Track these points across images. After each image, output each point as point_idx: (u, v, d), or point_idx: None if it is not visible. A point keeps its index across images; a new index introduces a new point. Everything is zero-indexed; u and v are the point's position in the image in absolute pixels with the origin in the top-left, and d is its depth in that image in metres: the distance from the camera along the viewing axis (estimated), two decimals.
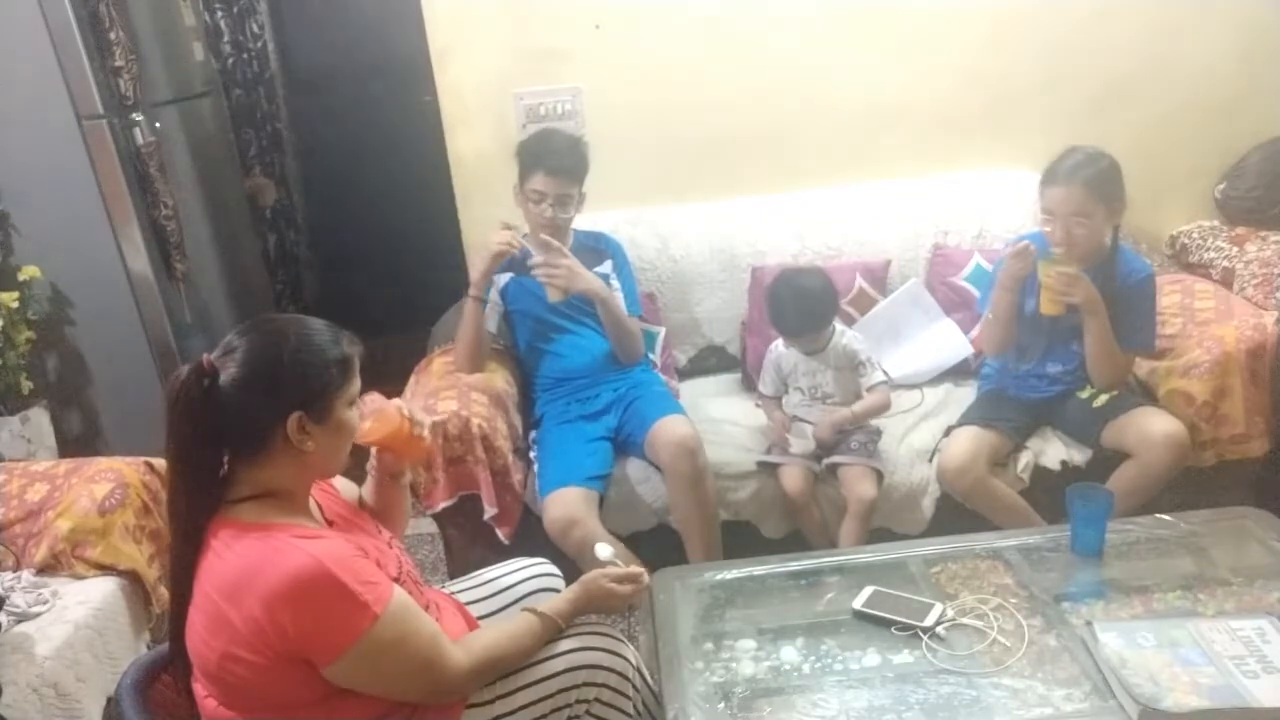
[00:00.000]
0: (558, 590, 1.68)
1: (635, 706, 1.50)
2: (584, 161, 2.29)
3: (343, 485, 1.50)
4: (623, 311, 2.34)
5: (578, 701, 1.43)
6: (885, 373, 2.32)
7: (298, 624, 1.14)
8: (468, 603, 1.64)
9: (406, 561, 1.43)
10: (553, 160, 2.23)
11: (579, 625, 1.52)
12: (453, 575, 2.17)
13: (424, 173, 3.27)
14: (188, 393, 1.19)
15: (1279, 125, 2.74)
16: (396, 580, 1.32)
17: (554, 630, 1.43)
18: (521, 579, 1.67)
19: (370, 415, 1.43)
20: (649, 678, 1.57)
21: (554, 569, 1.73)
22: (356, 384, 1.31)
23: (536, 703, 1.41)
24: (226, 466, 1.25)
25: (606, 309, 2.29)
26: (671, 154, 2.77)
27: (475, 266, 2.26)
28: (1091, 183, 2.05)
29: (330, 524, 1.37)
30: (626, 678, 1.47)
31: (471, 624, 1.56)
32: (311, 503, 1.37)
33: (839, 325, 2.28)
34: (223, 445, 1.23)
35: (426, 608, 1.46)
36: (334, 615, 1.16)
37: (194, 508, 1.23)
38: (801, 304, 2.20)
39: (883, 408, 2.25)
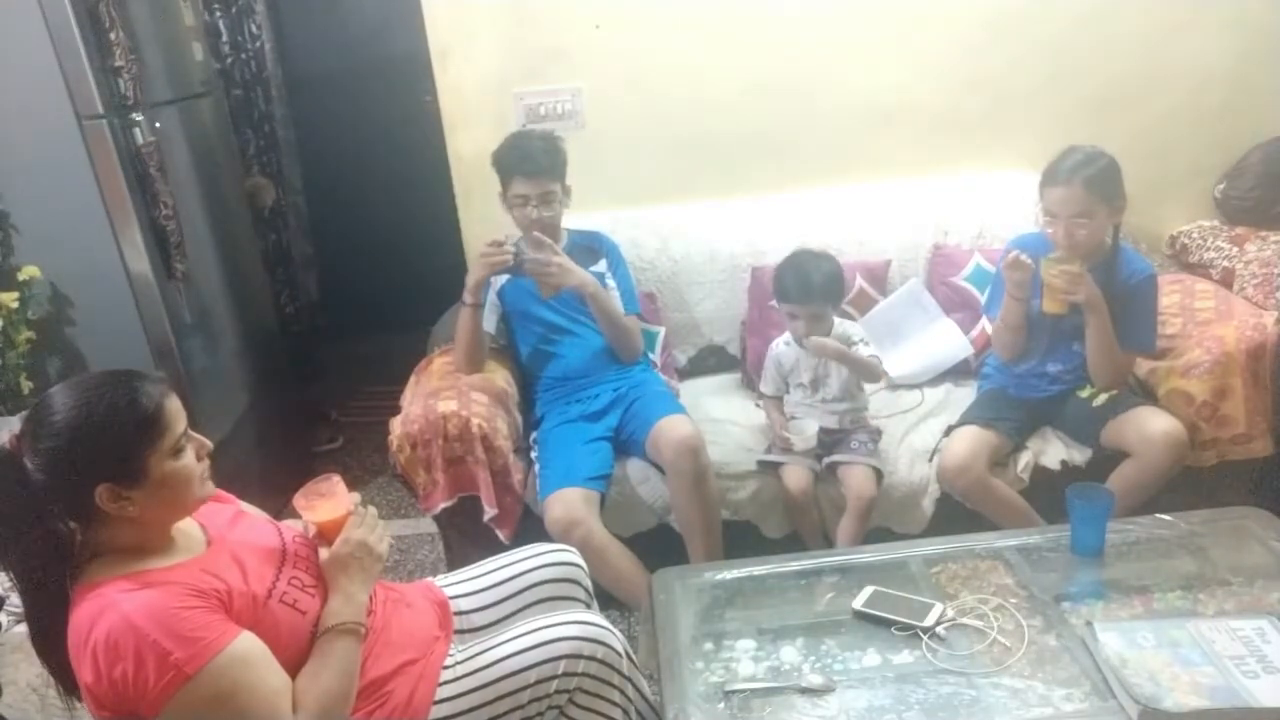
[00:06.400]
0: (578, 581, 1.67)
1: (625, 694, 1.49)
2: (560, 158, 2.29)
3: None
4: (615, 308, 2.34)
5: (558, 691, 1.42)
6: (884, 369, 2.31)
7: (112, 683, 1.13)
8: (474, 592, 1.63)
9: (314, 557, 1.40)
10: (528, 164, 2.25)
11: (556, 613, 1.51)
12: None
13: (424, 173, 3.27)
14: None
15: (1279, 125, 2.75)
16: (271, 593, 1.29)
17: (360, 632, 1.34)
18: (537, 565, 1.65)
19: (326, 496, 1.40)
20: (637, 662, 1.56)
21: (575, 556, 1.70)
22: (174, 431, 1.23)
23: (512, 694, 1.40)
24: (67, 533, 1.21)
25: (597, 304, 2.29)
26: (671, 154, 2.77)
27: (470, 275, 2.27)
28: (1091, 183, 2.05)
29: (211, 543, 1.33)
30: (610, 665, 1.46)
31: (447, 625, 1.56)
32: (193, 525, 1.34)
33: (837, 318, 2.28)
34: (51, 518, 1.20)
35: (384, 603, 1.46)
36: (143, 674, 1.12)
37: (47, 581, 1.21)
38: (808, 269, 2.17)
39: (875, 368, 2.22)
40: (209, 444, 1.32)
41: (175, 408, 1.25)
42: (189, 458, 1.26)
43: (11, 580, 1.23)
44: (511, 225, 2.35)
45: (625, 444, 2.29)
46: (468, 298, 2.26)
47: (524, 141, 2.31)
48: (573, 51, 2.68)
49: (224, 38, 3.25)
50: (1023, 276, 2.12)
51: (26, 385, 2.30)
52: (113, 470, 1.19)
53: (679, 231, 2.73)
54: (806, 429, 2.20)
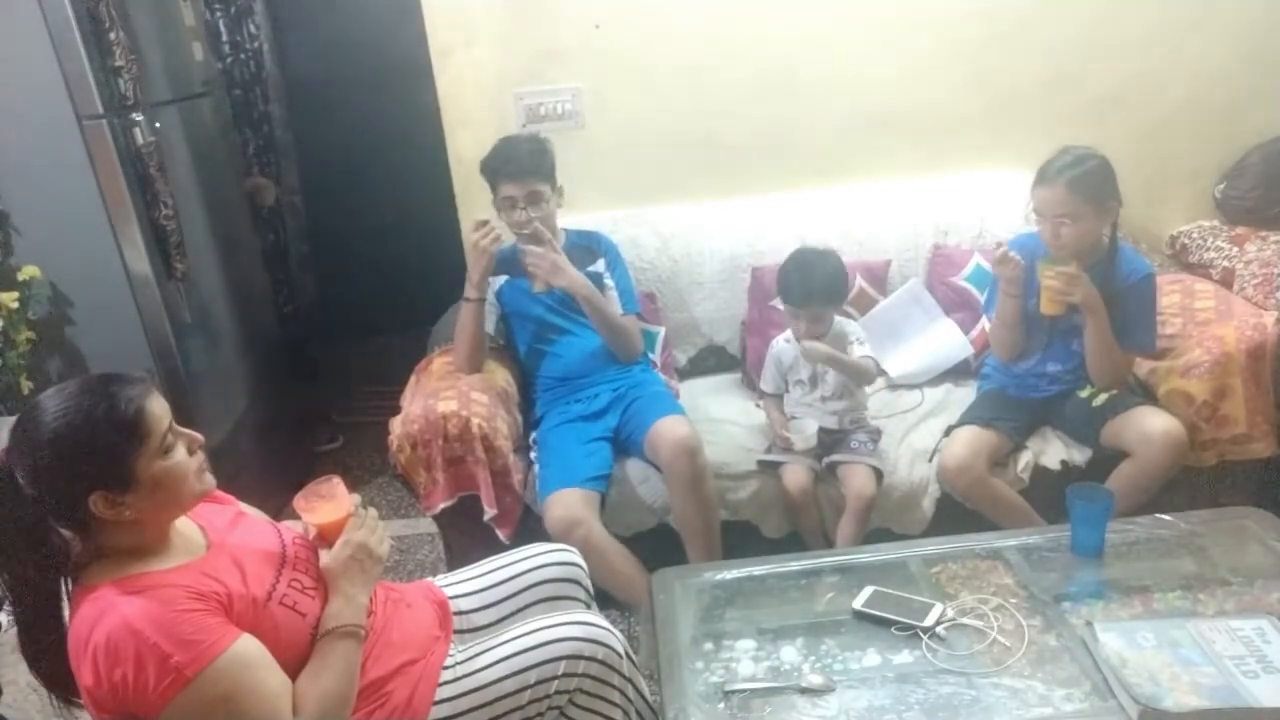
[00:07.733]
0: (578, 581, 1.67)
1: (625, 694, 1.49)
2: (547, 158, 2.30)
3: None
4: (609, 309, 2.34)
5: (558, 692, 1.42)
6: (883, 369, 2.30)
7: (113, 686, 1.13)
8: (474, 592, 1.63)
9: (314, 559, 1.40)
10: (512, 166, 2.27)
11: (556, 613, 1.51)
12: None
13: (424, 173, 3.27)
14: None
15: (1279, 125, 2.75)
16: (270, 596, 1.29)
17: (360, 634, 1.34)
18: (537, 565, 1.65)
19: (326, 498, 1.41)
20: (637, 662, 1.56)
21: (575, 556, 1.70)
22: (158, 431, 1.21)
23: (512, 695, 1.40)
24: (63, 544, 1.21)
25: (590, 306, 2.29)
26: (671, 154, 2.77)
27: (472, 268, 2.27)
28: (1075, 183, 2.05)
29: (210, 546, 1.32)
30: (610, 666, 1.46)
31: (447, 625, 1.56)
32: (192, 527, 1.34)
33: (837, 316, 2.28)
34: (48, 524, 1.20)
35: (385, 603, 1.46)
36: (143, 677, 1.12)
37: (43, 591, 1.21)
38: (811, 270, 2.17)
39: (866, 371, 2.22)
40: (199, 437, 1.30)
41: (157, 408, 1.23)
42: (180, 454, 1.25)
43: (5, 590, 1.22)
44: (507, 228, 2.35)
45: (625, 444, 2.28)
46: (472, 293, 2.26)
47: (508, 146, 2.33)
48: (572, 51, 2.68)
49: (224, 38, 3.25)
50: (1013, 273, 2.13)
51: (26, 385, 2.31)
52: (102, 478, 1.18)
53: (679, 231, 2.73)
54: (806, 428, 2.20)
